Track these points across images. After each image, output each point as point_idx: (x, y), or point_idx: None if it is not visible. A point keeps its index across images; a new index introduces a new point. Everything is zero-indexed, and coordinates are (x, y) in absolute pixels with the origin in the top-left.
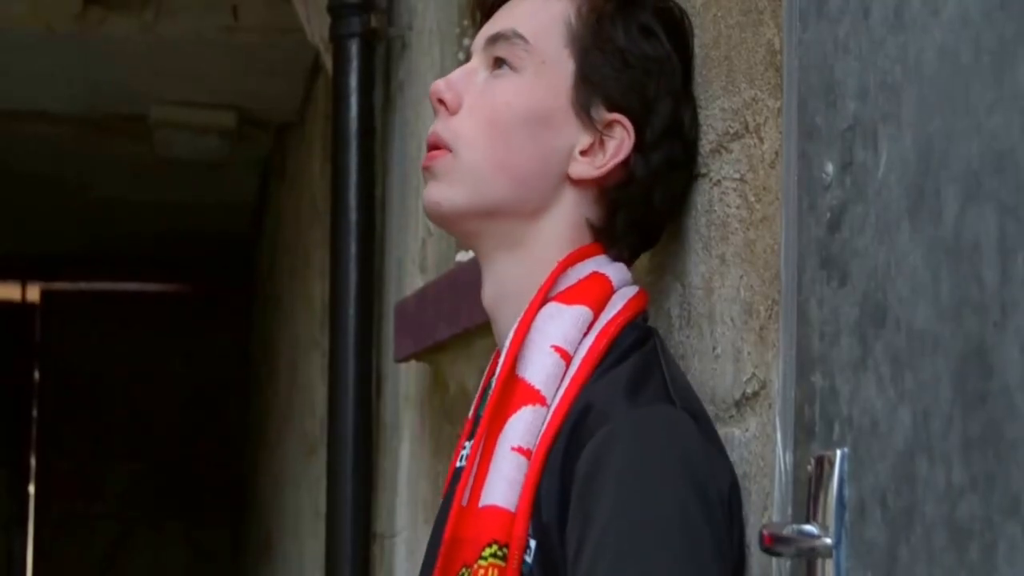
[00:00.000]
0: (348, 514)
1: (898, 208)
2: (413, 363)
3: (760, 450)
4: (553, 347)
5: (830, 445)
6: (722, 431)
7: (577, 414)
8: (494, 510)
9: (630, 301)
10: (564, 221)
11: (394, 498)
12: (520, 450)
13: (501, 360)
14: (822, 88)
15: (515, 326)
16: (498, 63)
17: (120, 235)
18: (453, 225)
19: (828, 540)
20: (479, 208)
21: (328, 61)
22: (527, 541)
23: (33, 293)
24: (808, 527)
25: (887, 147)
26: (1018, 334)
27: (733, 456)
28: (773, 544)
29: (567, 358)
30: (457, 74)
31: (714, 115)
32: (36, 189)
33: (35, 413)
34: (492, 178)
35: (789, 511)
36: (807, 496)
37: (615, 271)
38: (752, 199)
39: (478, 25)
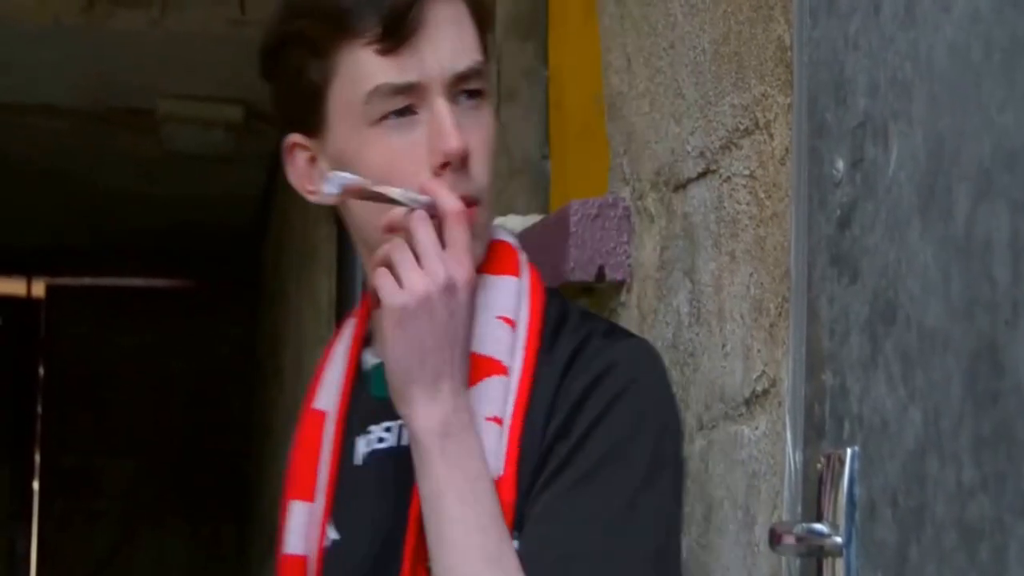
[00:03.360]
0: None
1: (909, 205)
2: None
3: (770, 448)
4: (499, 318)
5: (840, 444)
6: (731, 429)
7: (562, 367)
8: None
9: (530, 261)
10: None
11: None
12: (496, 420)
13: None
14: (832, 85)
15: None
16: (473, 93)
17: (126, 229)
18: None
19: (838, 539)
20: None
21: None
22: (515, 503)
23: (38, 288)
24: (818, 526)
25: (897, 144)
26: None
27: (743, 454)
28: (783, 543)
29: (513, 326)
30: (455, 121)
31: (724, 111)
32: (41, 182)
33: (39, 409)
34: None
35: (799, 510)
36: (817, 495)
37: (508, 235)
38: (762, 196)
39: (384, 45)
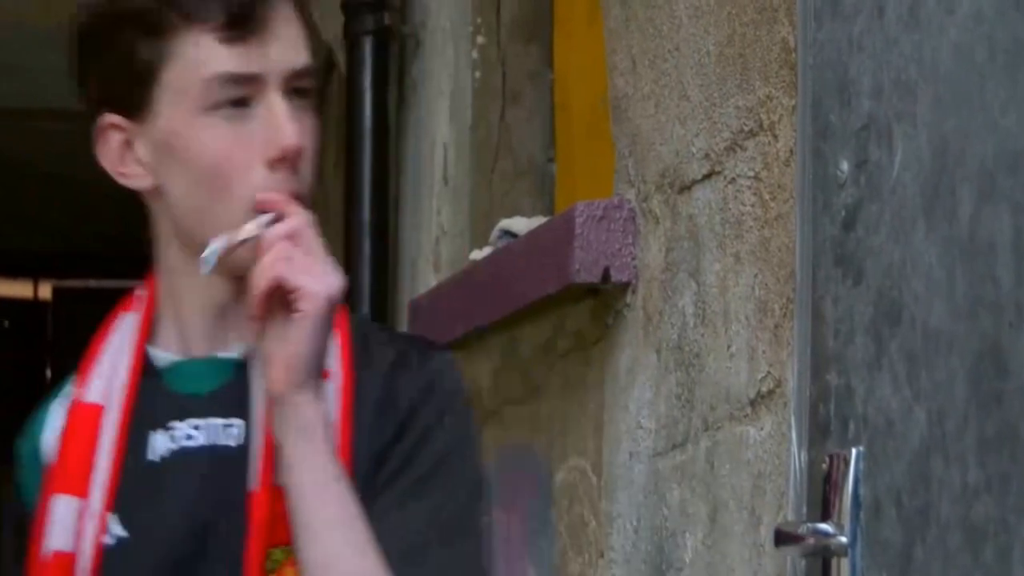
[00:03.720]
0: None
1: (913, 207)
2: None
3: (775, 449)
4: None
5: (845, 444)
6: (737, 429)
7: (386, 374)
8: None
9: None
10: None
11: None
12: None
13: None
14: (837, 86)
15: None
16: (303, 93)
17: (133, 233)
18: None
19: (843, 539)
20: None
21: (341, 59)
22: None
23: (45, 291)
24: (823, 526)
25: (902, 145)
26: None
27: (748, 455)
28: (788, 543)
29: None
30: (290, 116)
31: (728, 113)
32: (48, 185)
33: None
34: None
35: (804, 510)
36: (822, 495)
37: None
38: (767, 197)
39: (228, 34)
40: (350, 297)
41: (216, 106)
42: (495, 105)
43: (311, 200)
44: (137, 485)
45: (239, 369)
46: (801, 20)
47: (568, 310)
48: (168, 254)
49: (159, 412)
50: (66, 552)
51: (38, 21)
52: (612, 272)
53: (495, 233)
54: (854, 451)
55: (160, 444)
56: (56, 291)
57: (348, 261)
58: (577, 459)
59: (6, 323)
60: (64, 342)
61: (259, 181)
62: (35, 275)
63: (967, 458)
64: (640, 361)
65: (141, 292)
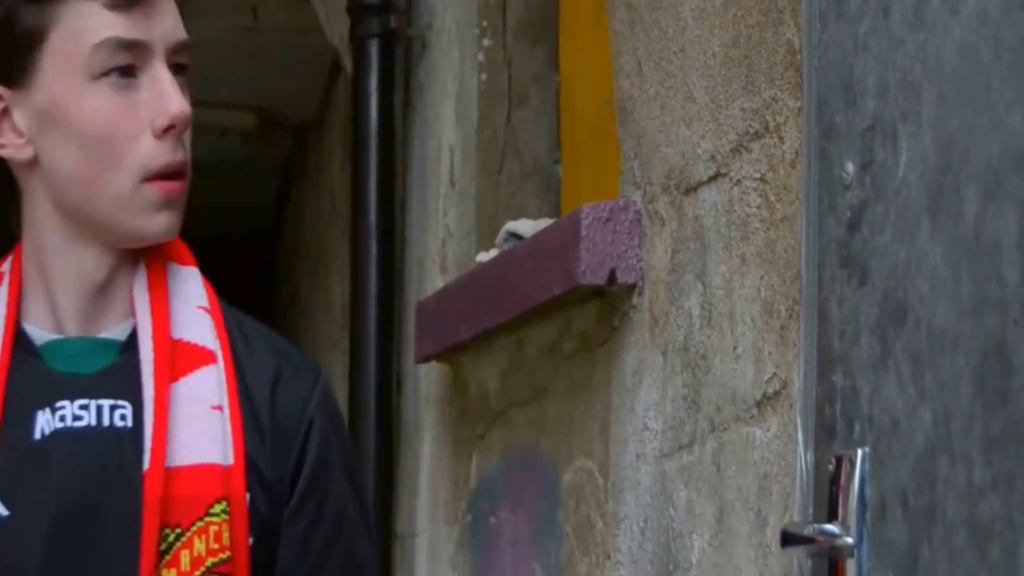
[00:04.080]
0: None
1: (918, 207)
2: (434, 363)
3: (781, 450)
4: (200, 307)
5: (851, 444)
6: (743, 431)
7: (272, 373)
8: (211, 468)
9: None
10: None
11: (415, 498)
12: (219, 408)
13: (146, 322)
14: (842, 87)
15: (146, 289)
16: (181, 69)
17: None
18: None
19: (849, 539)
20: None
21: (347, 62)
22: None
23: None
24: (829, 526)
25: (907, 146)
26: None
27: (754, 456)
28: (794, 543)
29: (210, 315)
30: (177, 88)
31: (734, 115)
32: None
33: None
34: None
35: (810, 510)
36: (828, 495)
37: None
38: (772, 199)
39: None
40: (356, 296)
41: (103, 73)
42: (501, 107)
43: (186, 175)
44: (19, 463)
45: (123, 350)
46: (806, 21)
47: (574, 312)
48: (42, 229)
49: (41, 390)
50: None
51: None
52: (618, 274)
53: (501, 235)
54: (860, 451)
55: (45, 423)
56: None
57: (355, 263)
58: (584, 460)
59: None
60: None
61: (147, 150)
62: None
63: (973, 457)
64: (646, 363)
65: (4, 268)
